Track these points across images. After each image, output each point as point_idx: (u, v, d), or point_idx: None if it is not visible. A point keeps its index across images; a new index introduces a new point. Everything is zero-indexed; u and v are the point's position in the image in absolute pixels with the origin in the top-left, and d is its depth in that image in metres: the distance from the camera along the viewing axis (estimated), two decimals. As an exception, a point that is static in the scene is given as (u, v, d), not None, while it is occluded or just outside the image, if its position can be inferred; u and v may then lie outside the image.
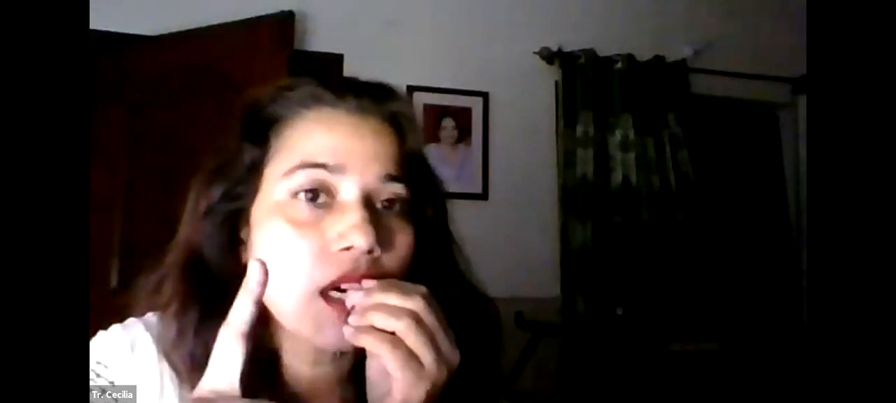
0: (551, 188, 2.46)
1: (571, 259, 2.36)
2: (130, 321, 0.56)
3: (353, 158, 0.52)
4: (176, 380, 0.53)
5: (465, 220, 0.65)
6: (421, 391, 0.45)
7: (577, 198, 2.38)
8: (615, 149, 2.44)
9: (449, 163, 2.34)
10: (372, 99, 0.56)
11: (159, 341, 0.54)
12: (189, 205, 0.57)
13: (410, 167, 0.56)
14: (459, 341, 0.48)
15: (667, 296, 2.37)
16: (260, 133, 0.55)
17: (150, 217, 2.03)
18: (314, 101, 0.55)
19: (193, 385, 0.46)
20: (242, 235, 0.55)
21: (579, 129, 2.42)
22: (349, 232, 0.49)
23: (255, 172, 0.54)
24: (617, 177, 2.42)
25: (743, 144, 2.85)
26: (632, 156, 2.43)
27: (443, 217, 0.61)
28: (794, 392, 2.21)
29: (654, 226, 2.41)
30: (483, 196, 2.37)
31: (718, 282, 2.47)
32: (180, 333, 0.53)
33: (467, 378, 0.53)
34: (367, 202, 0.51)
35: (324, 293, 0.49)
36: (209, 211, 0.55)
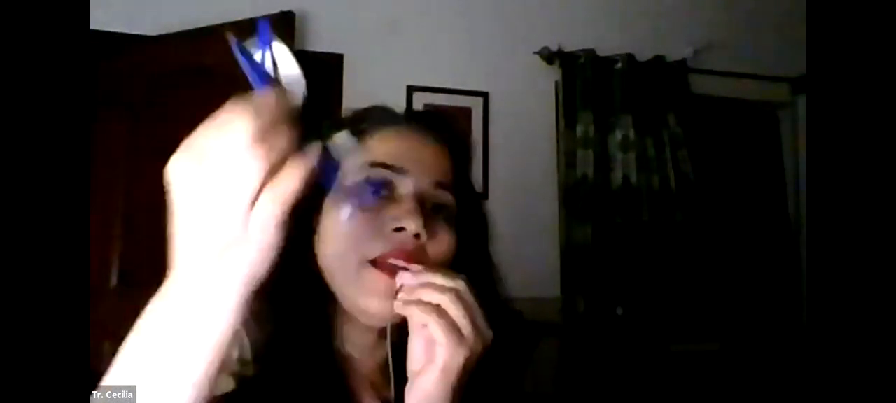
0: (551, 188, 2.46)
1: (571, 259, 2.36)
2: None
3: (412, 164, 0.63)
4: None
5: (465, 220, 0.66)
6: (460, 357, 0.52)
7: (578, 198, 2.38)
8: (615, 149, 2.44)
9: (449, 163, 2.33)
10: (434, 125, 0.69)
11: None
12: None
13: (459, 185, 0.67)
14: (487, 353, 0.55)
15: (667, 296, 2.37)
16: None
17: (150, 217, 2.03)
18: (390, 120, 0.68)
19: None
20: (314, 224, 0.64)
21: (579, 129, 2.42)
22: (402, 215, 0.59)
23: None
24: (617, 177, 2.42)
25: (743, 144, 2.85)
26: (632, 156, 2.42)
27: (484, 235, 0.72)
28: (794, 392, 2.21)
29: (654, 226, 2.40)
30: (483, 196, 2.35)
31: (718, 282, 2.47)
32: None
33: (491, 388, 0.61)
34: (420, 199, 0.62)
35: (375, 263, 0.59)
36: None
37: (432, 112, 0.76)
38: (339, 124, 0.69)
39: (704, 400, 2.30)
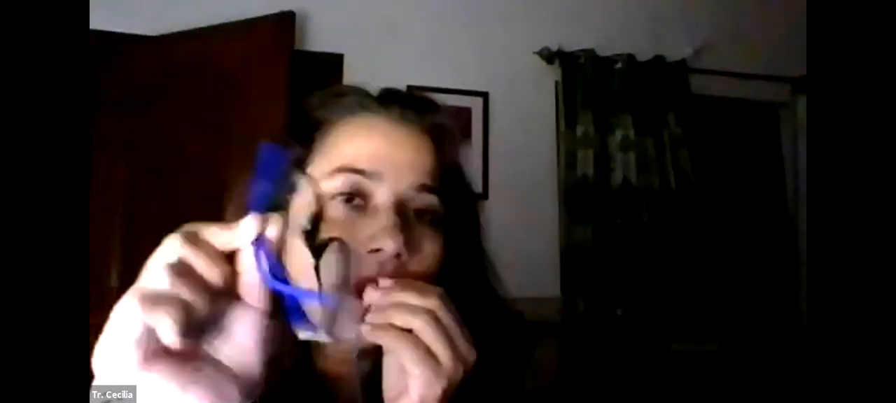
0: (551, 188, 2.46)
1: (571, 259, 2.36)
2: None
3: (390, 166, 0.54)
4: None
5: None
6: (438, 388, 0.45)
7: (578, 198, 2.38)
8: (615, 149, 2.44)
9: (449, 163, 2.34)
10: (414, 110, 0.59)
11: None
12: (234, 198, 0.58)
13: (446, 179, 0.58)
14: (484, 354, 0.49)
15: (667, 296, 2.37)
16: (306, 133, 0.58)
17: (150, 217, 2.03)
18: (360, 108, 0.58)
19: None
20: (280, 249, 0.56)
21: (579, 129, 2.42)
22: (380, 235, 0.51)
23: (299, 170, 0.56)
24: (617, 177, 2.42)
25: (743, 144, 2.85)
26: (632, 156, 2.43)
27: (476, 230, 0.65)
28: (794, 392, 2.21)
29: (655, 227, 2.40)
30: (483, 196, 2.36)
31: (718, 282, 2.47)
32: None
33: (489, 390, 0.55)
34: (400, 208, 0.53)
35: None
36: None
37: (411, 94, 0.64)
38: (303, 110, 0.61)
39: (704, 400, 2.30)
